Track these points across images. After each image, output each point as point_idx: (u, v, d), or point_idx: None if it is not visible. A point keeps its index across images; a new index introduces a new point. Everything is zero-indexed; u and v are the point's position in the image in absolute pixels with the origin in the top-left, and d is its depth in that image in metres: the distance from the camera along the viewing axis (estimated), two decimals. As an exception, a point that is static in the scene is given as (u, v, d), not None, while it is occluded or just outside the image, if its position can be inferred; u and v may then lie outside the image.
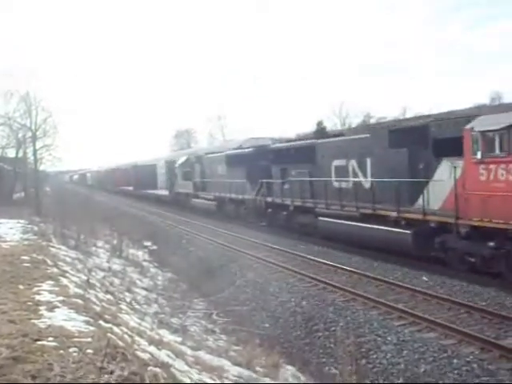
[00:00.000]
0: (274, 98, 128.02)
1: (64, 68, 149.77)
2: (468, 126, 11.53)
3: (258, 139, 28.04)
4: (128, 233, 23.21)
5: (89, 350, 5.02)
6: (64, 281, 9.71)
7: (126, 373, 4.51)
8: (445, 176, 12.34)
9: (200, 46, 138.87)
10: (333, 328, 10.25)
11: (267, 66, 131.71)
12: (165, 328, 9.61)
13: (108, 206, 43.13)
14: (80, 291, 9.13)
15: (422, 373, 8.05)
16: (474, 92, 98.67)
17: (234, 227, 23.50)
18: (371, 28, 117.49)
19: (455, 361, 8.05)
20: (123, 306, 10.24)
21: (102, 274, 14.16)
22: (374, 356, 8.89)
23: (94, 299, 9.21)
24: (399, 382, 8.12)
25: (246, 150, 24.65)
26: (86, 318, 6.82)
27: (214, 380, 6.61)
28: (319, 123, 40.93)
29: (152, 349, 6.49)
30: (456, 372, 7.79)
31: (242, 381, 7.28)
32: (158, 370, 5.04)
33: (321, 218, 17.45)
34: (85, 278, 11.49)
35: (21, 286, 8.48)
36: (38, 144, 34.39)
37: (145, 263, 18.87)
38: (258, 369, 8.20)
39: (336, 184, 16.96)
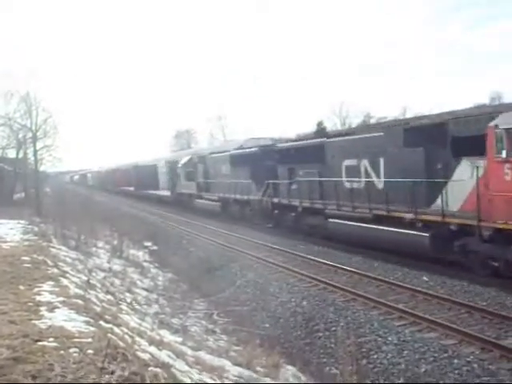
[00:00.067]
0: (274, 98, 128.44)
1: (64, 68, 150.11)
2: (492, 124, 10.89)
3: (258, 139, 27.95)
4: (128, 233, 23.19)
5: (89, 351, 5.02)
6: (64, 281, 9.72)
7: (126, 373, 4.51)
8: (465, 176, 11.73)
9: (200, 46, 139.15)
10: (333, 328, 10.25)
11: (267, 66, 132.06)
12: (165, 328, 9.61)
13: (109, 206, 43.08)
14: (80, 292, 9.13)
15: (423, 373, 8.06)
16: (474, 92, 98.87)
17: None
18: (371, 28, 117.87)
19: (456, 361, 8.05)
20: (124, 307, 10.23)
21: (102, 274, 14.16)
22: (375, 356, 8.89)
23: (95, 300, 9.22)
24: (400, 382, 8.12)
25: (251, 150, 24.20)
26: (87, 319, 6.82)
27: (215, 380, 6.61)
28: (319, 123, 41.07)
29: (152, 349, 6.50)
30: (456, 372, 7.79)
31: (242, 381, 7.28)
32: (158, 370, 5.04)
33: (331, 220, 16.94)
34: (85, 278, 11.48)
35: (21, 287, 8.49)
36: (39, 144, 34.51)
37: (145, 263, 18.88)
38: (258, 369, 8.20)
39: (347, 184, 16.37)
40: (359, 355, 8.88)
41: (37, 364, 4.64)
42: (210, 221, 26.80)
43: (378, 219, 14.63)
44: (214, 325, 11.52)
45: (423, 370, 8.11)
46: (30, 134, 33.68)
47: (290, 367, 8.99)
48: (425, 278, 12.46)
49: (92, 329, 6.24)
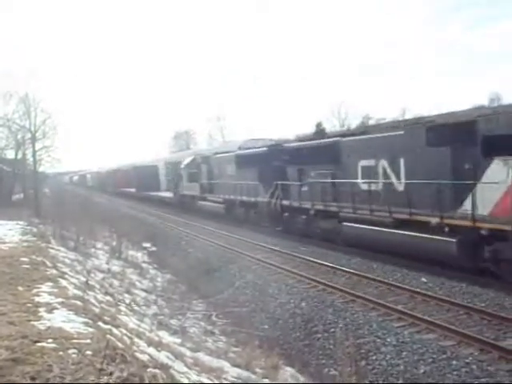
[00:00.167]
0: (274, 98, 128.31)
1: (64, 68, 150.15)
2: None
3: (257, 140, 27.65)
4: (127, 234, 23.17)
5: (88, 352, 5.01)
6: (63, 282, 9.71)
7: (125, 374, 4.51)
8: (498, 177, 10.84)
9: (200, 46, 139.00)
10: (332, 329, 10.26)
11: (267, 66, 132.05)
12: (164, 329, 9.61)
13: (109, 207, 43.00)
14: (79, 293, 9.12)
15: (422, 374, 8.06)
16: (474, 92, 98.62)
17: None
18: (371, 28, 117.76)
19: (454, 362, 8.06)
20: (122, 308, 10.23)
21: (101, 275, 14.16)
22: (374, 357, 8.90)
23: (93, 301, 9.21)
24: (399, 383, 8.13)
25: (258, 150, 23.30)
26: (86, 320, 6.82)
27: (213, 381, 6.61)
28: (318, 124, 40.96)
29: (151, 350, 6.49)
30: (455, 373, 7.80)
31: (241, 382, 7.28)
32: (157, 371, 5.04)
33: (346, 224, 16.03)
34: (84, 279, 11.48)
35: (20, 288, 8.47)
36: (38, 145, 34.45)
37: (144, 265, 18.89)
38: (257, 370, 8.21)
39: (364, 186, 15.39)
40: (358, 356, 8.88)
41: (36, 365, 4.63)
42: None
43: (398, 223, 13.85)
44: (212, 326, 11.52)
45: (422, 371, 8.11)
46: (28, 135, 33.67)
47: (288, 368, 9.00)
48: (424, 279, 12.45)
49: (91, 330, 6.24)
